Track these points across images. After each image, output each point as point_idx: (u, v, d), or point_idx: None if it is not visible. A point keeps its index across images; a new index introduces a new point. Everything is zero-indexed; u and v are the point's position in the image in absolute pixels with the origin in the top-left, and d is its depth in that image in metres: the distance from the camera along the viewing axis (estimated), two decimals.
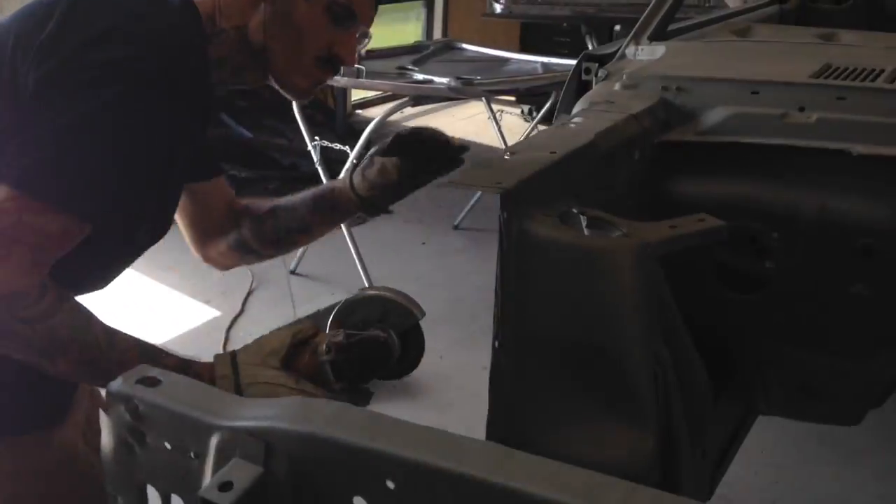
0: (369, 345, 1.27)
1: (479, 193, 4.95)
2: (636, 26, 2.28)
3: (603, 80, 2.11)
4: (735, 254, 1.76)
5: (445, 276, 4.63)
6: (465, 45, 5.09)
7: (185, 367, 1.18)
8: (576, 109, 1.91)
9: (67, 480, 1.41)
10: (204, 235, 1.62)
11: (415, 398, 3.57)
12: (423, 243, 5.04)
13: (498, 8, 5.14)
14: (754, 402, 2.03)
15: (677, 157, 1.79)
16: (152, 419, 0.86)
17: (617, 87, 1.96)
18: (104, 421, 0.88)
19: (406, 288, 1.42)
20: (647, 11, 2.31)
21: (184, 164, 1.36)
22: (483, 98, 5.06)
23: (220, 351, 1.40)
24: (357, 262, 4.22)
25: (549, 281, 1.35)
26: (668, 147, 1.80)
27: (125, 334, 1.17)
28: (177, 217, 1.56)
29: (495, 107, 5.46)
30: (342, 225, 4.51)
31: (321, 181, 4.46)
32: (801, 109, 1.74)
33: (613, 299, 1.33)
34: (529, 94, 3.83)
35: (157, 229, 1.40)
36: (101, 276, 1.39)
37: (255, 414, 0.83)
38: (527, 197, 1.36)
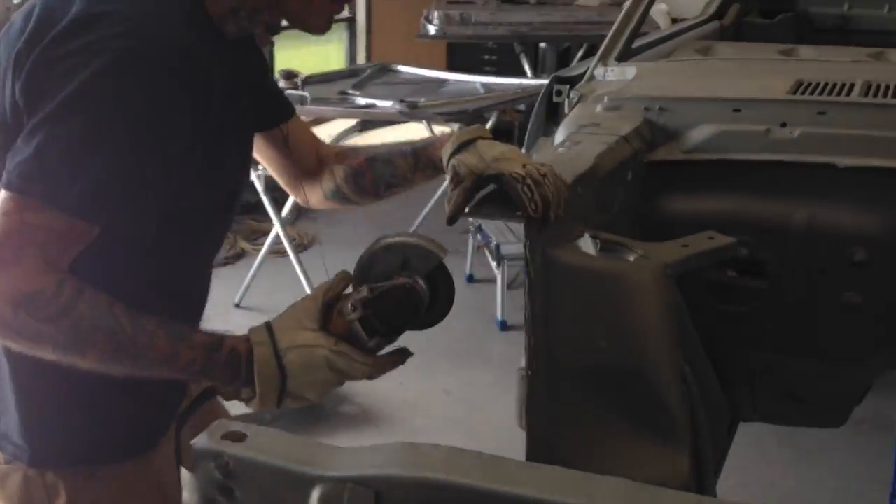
0: (395, 294, 1.21)
1: (424, 213, 4.98)
2: (602, 48, 2.32)
3: (576, 102, 2.14)
4: (727, 267, 1.81)
5: None
6: (400, 68, 5.10)
7: (217, 341, 1.16)
8: (561, 132, 1.93)
9: None
10: (295, 181, 1.60)
11: (380, 427, 3.53)
12: None
13: (432, 29, 5.18)
14: (742, 409, 2.08)
15: (666, 176, 1.83)
16: (244, 475, 0.83)
17: (599, 108, 1.99)
18: (189, 479, 0.85)
19: None
20: (611, 33, 2.35)
21: (233, 117, 1.30)
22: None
23: None
24: (308, 291, 4.15)
25: (577, 306, 1.37)
26: (657, 167, 1.83)
27: (148, 316, 1.14)
28: (266, 164, 1.57)
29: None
30: (290, 253, 4.40)
31: (266, 211, 4.40)
32: (784, 125, 1.80)
33: (641, 321, 1.35)
34: (476, 115, 3.85)
35: (232, 186, 1.38)
36: (211, 242, 1.41)
37: (360, 462, 0.82)
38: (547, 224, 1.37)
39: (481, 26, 5.16)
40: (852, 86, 1.89)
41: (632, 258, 1.46)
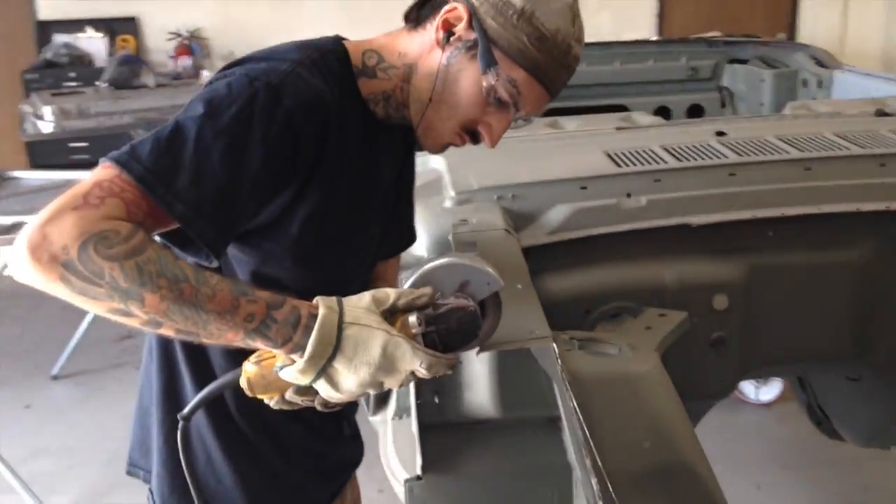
0: (459, 315, 1.21)
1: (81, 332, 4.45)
2: None
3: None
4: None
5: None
6: (16, 174, 4.50)
7: (280, 299, 1.14)
8: (431, 234, 1.89)
9: None
10: None
11: None
12: (27, 406, 4.31)
13: (46, 126, 4.66)
14: None
15: (538, 260, 1.90)
16: None
17: (448, 204, 1.99)
18: None
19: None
20: None
21: (367, 189, 1.39)
22: None
23: None
24: None
25: (612, 414, 1.37)
26: (526, 252, 1.89)
27: (212, 272, 1.13)
28: None
29: None
30: None
31: None
32: (629, 195, 1.97)
33: (670, 414, 1.40)
34: None
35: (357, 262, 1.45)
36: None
37: None
38: None
39: (104, 116, 4.75)
40: (653, 151, 2.12)
41: (617, 352, 1.51)
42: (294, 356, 1.13)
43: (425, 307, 1.19)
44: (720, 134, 2.23)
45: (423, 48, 1.34)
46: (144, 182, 1.11)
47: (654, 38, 6.95)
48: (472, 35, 1.30)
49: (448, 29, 1.31)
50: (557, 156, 2.18)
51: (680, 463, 1.38)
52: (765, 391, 3.90)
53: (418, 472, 1.82)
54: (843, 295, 2.03)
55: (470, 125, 1.36)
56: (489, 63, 1.28)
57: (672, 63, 4.10)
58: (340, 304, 1.15)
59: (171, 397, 1.45)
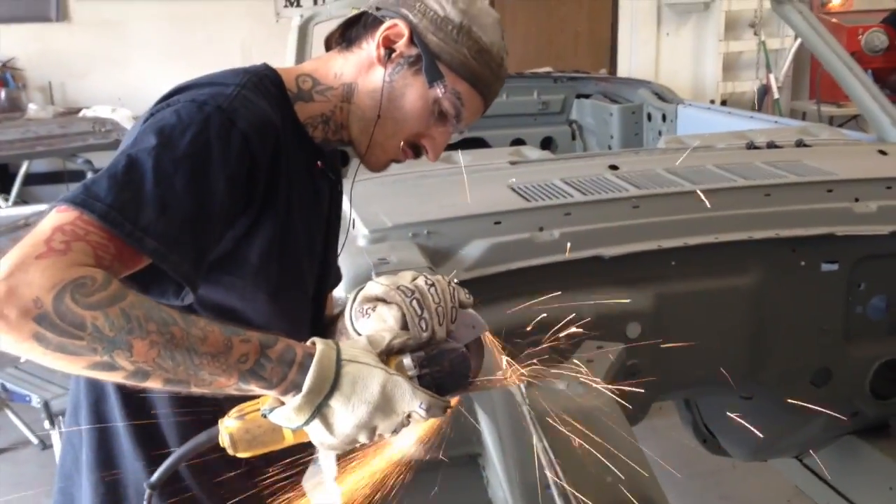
0: (451, 358, 1.18)
1: None
2: None
3: None
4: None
5: None
6: None
7: (272, 337, 1.08)
8: (350, 273, 1.84)
9: None
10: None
11: None
12: None
13: None
14: None
15: None
16: None
17: (362, 242, 1.94)
18: None
19: None
20: None
21: (305, 219, 1.32)
22: None
23: None
24: None
25: (564, 447, 1.38)
26: None
27: (196, 314, 1.06)
28: None
29: None
30: None
31: None
32: (541, 229, 2.00)
33: (627, 445, 1.42)
34: None
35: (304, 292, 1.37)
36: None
37: None
38: None
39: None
40: (556, 185, 2.17)
41: (565, 386, 1.52)
42: (288, 396, 1.06)
43: (417, 349, 1.15)
44: (613, 168, 2.31)
45: (360, 67, 1.33)
46: (108, 220, 1.03)
47: None
48: (414, 51, 1.30)
49: (388, 45, 1.31)
50: (464, 191, 2.18)
51: (641, 496, 1.40)
52: None
53: None
54: (739, 318, 2.14)
55: (414, 140, 1.35)
56: (435, 77, 1.29)
57: (525, 97, 4.23)
58: (337, 343, 1.10)
59: (105, 462, 1.32)
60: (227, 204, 1.14)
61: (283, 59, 2.79)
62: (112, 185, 1.05)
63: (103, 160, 5.26)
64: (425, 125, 1.34)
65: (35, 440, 3.92)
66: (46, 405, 3.60)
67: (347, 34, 1.37)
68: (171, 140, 1.11)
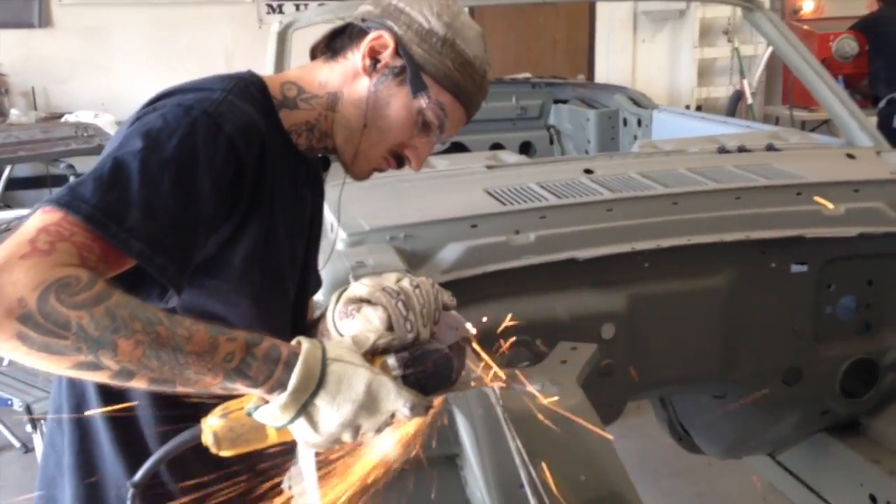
0: (434, 358, 1.20)
1: None
2: None
3: None
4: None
5: None
6: None
7: (257, 336, 1.09)
8: (329, 277, 1.87)
9: None
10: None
11: None
12: None
13: None
14: None
15: None
16: None
17: (341, 246, 1.97)
18: None
19: None
20: None
21: (288, 222, 1.35)
22: None
23: None
24: None
25: (539, 448, 1.41)
26: None
27: (181, 314, 1.08)
28: None
29: None
30: None
31: None
32: (517, 232, 2.04)
33: (594, 445, 1.47)
34: None
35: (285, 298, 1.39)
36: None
37: None
38: None
39: None
40: (531, 189, 2.21)
41: (540, 387, 1.56)
42: (273, 395, 1.08)
43: (401, 350, 1.18)
44: (588, 172, 2.36)
45: (346, 76, 1.36)
46: (94, 221, 1.04)
47: None
48: (399, 62, 1.33)
49: (373, 56, 1.34)
50: (440, 195, 2.22)
51: (613, 494, 1.45)
52: None
53: None
54: (711, 319, 2.19)
55: (398, 149, 1.39)
56: (419, 87, 1.33)
57: (504, 102, 4.27)
58: (322, 342, 1.12)
59: (85, 463, 1.34)
60: (213, 207, 1.16)
61: (264, 66, 2.82)
62: (98, 186, 1.07)
63: (86, 165, 5.27)
64: (409, 135, 1.37)
65: (17, 444, 3.92)
66: (28, 409, 3.62)
67: (332, 44, 1.40)
68: (157, 143, 1.13)
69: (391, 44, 1.33)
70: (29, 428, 3.57)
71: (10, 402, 3.56)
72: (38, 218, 1.04)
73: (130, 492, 1.17)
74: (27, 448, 3.88)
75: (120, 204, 1.07)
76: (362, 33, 1.35)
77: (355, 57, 1.35)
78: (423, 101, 1.33)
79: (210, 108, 1.18)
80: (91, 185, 1.07)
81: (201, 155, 1.14)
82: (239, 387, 1.07)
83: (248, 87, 1.31)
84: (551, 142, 4.44)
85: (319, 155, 1.45)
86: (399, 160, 1.41)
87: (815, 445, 2.58)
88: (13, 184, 5.68)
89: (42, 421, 3.56)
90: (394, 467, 1.52)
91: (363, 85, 1.35)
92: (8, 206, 5.28)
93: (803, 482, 2.64)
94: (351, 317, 1.27)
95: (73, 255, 1.02)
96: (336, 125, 1.37)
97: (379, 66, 1.34)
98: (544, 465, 1.40)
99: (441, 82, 1.34)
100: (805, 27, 6.93)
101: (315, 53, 1.43)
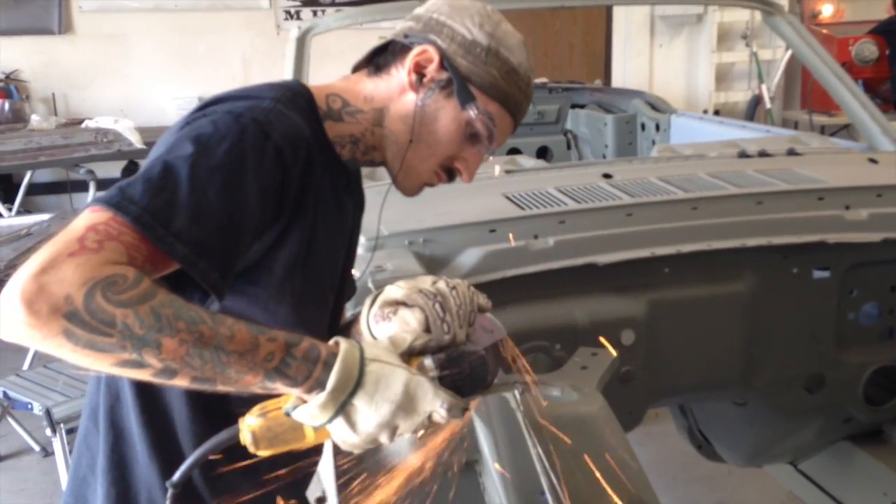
0: (470, 361, 1.20)
1: None
2: None
3: None
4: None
5: None
6: None
7: (297, 336, 1.10)
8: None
9: None
10: None
11: None
12: None
13: None
14: None
15: None
16: None
17: (359, 250, 1.97)
18: None
19: None
20: None
21: (333, 231, 1.36)
22: None
23: None
24: None
25: (560, 454, 1.40)
26: None
27: (223, 314, 1.08)
28: None
29: None
30: None
31: None
32: (536, 237, 2.03)
33: (621, 453, 1.45)
34: None
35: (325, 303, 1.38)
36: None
37: None
38: None
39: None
40: (550, 193, 2.20)
41: (560, 393, 1.55)
42: (312, 394, 1.08)
43: (438, 351, 1.18)
44: (607, 176, 2.34)
45: (391, 92, 1.37)
46: (142, 223, 1.05)
47: None
48: (444, 75, 1.34)
49: (419, 71, 1.35)
50: (459, 200, 2.21)
51: (635, 502, 1.43)
52: None
53: None
54: (732, 325, 2.17)
55: (448, 163, 1.39)
56: (467, 99, 1.33)
57: None
58: (360, 343, 1.13)
59: (118, 465, 1.34)
60: (258, 215, 1.17)
61: (282, 72, 2.82)
62: (147, 188, 1.08)
63: (106, 170, 5.34)
64: (458, 148, 1.38)
65: (37, 447, 3.94)
66: (48, 413, 3.63)
67: (375, 60, 1.41)
68: (207, 149, 1.14)
69: (436, 57, 1.34)
70: (48, 432, 3.58)
71: (29, 406, 3.58)
72: (87, 217, 1.05)
73: (170, 492, 1.17)
74: (46, 452, 3.90)
75: (168, 207, 1.08)
76: (405, 49, 1.36)
77: (400, 73, 1.36)
78: (471, 113, 1.34)
79: (259, 117, 1.20)
80: (141, 187, 1.08)
81: (249, 163, 1.16)
82: (279, 386, 1.08)
83: (296, 96, 1.32)
84: (568, 146, 4.43)
85: (364, 166, 1.45)
86: (450, 174, 1.42)
87: (837, 454, 2.55)
88: (34, 189, 5.74)
89: (61, 425, 3.58)
90: (423, 473, 1.52)
91: (409, 100, 1.36)
92: (28, 212, 5.32)
93: (825, 491, 2.61)
94: (387, 320, 1.28)
95: (122, 253, 1.03)
96: (386, 141, 1.39)
97: (425, 80, 1.35)
98: (565, 473, 1.39)
99: (488, 92, 1.35)
100: (824, 31, 6.89)
101: (358, 68, 1.43)
